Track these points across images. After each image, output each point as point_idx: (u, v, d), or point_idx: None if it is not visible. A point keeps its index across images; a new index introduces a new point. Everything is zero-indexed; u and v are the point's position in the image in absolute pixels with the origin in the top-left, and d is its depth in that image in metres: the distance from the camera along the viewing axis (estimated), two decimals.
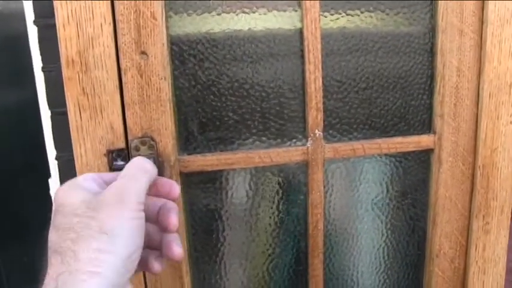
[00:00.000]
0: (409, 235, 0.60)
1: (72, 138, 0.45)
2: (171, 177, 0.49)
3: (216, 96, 0.51)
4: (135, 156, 0.47)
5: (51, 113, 0.73)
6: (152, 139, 0.48)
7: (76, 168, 0.45)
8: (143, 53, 0.47)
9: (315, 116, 0.53)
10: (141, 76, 0.47)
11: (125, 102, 0.47)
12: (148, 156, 0.48)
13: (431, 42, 0.55)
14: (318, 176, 0.54)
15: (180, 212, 0.51)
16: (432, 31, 0.55)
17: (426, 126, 0.57)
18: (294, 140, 0.54)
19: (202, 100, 0.51)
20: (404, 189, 0.59)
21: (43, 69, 0.69)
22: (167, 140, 0.49)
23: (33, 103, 0.76)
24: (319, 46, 0.51)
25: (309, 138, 0.53)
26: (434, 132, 0.56)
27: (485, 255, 0.58)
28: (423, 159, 0.58)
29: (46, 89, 0.71)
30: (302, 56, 0.52)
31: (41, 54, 0.69)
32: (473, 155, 0.57)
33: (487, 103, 0.54)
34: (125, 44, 0.46)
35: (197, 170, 0.51)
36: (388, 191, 0.58)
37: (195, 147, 0.52)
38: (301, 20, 0.51)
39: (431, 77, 0.56)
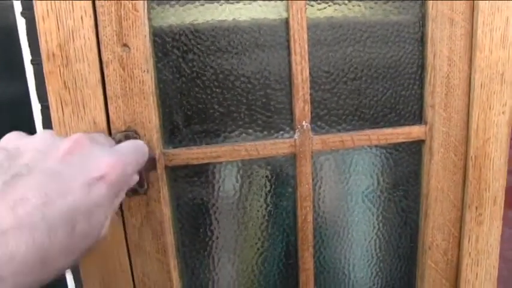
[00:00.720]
0: (401, 227, 0.60)
1: (54, 133, 0.45)
2: (156, 171, 0.48)
3: (201, 89, 0.50)
4: None
5: (41, 106, 0.72)
6: (136, 133, 0.48)
7: None
8: (125, 45, 0.46)
9: (302, 107, 0.52)
10: (124, 69, 0.46)
11: (107, 96, 0.47)
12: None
13: (421, 32, 0.54)
14: (306, 168, 0.53)
15: (166, 206, 0.51)
16: (422, 20, 0.53)
17: (417, 116, 0.56)
18: (281, 132, 0.53)
19: (187, 93, 0.50)
20: (395, 181, 0.58)
21: (32, 61, 0.69)
22: (151, 134, 0.48)
23: (25, 97, 0.74)
24: (305, 36, 0.50)
25: (297, 130, 0.52)
26: (426, 123, 0.55)
27: (478, 247, 0.58)
28: (414, 150, 0.57)
29: (35, 82, 0.70)
30: (288, 47, 0.51)
31: (30, 47, 0.68)
32: (465, 146, 0.55)
33: (479, 93, 0.53)
34: (106, 37, 0.46)
35: (182, 163, 0.50)
36: (378, 182, 0.58)
37: (180, 140, 0.51)
38: (287, 10, 0.50)
39: (422, 67, 0.55)
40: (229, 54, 0.50)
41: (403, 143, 0.56)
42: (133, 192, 0.49)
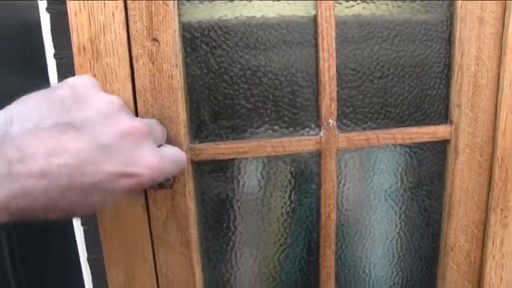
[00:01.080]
0: (423, 227, 0.59)
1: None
2: None
3: (229, 84, 0.51)
4: None
5: None
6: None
7: None
8: (155, 40, 0.46)
9: (328, 105, 0.52)
10: (153, 63, 0.47)
11: (136, 90, 0.47)
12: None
13: (449, 31, 0.53)
14: (331, 165, 0.53)
15: (191, 200, 0.51)
16: (450, 19, 0.53)
17: (443, 116, 0.56)
18: (307, 129, 0.53)
19: (215, 88, 0.51)
20: (419, 181, 0.58)
21: (55, 55, 0.69)
22: (179, 128, 0.48)
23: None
24: (333, 34, 0.50)
25: (322, 128, 0.52)
26: (451, 123, 0.55)
27: (503, 250, 0.57)
28: (439, 150, 0.57)
29: (58, 76, 0.70)
30: (316, 44, 0.51)
31: (53, 41, 0.68)
32: (492, 147, 0.55)
33: (508, 93, 0.53)
34: (137, 31, 0.46)
35: (209, 158, 0.51)
36: (402, 182, 0.57)
37: (206, 135, 0.51)
38: (316, 7, 0.50)
39: (449, 66, 0.54)
40: (257, 50, 0.50)
41: (428, 142, 0.56)
42: (159, 185, 0.49)
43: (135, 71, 0.47)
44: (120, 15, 0.44)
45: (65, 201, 0.31)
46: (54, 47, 0.69)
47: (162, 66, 0.47)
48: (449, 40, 0.54)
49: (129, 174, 0.33)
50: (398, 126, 0.55)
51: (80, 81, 0.36)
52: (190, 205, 0.51)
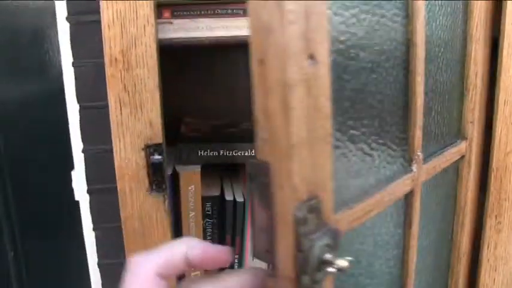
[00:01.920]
0: (445, 242, 0.60)
1: (112, 132, 0.44)
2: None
3: (352, 119, 0.36)
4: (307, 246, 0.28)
5: (80, 107, 0.74)
6: (317, 200, 0.29)
7: (115, 161, 0.43)
8: (312, 57, 0.27)
9: (418, 135, 0.44)
10: (308, 95, 0.28)
11: (291, 142, 0.26)
12: (315, 229, 0.29)
13: (464, 52, 0.55)
14: (417, 204, 0.46)
15: None
16: (466, 40, 0.55)
17: (459, 132, 0.57)
18: (400, 166, 0.44)
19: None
20: (446, 196, 0.58)
21: (73, 64, 0.71)
22: (329, 198, 0.31)
23: (58, 96, 0.77)
24: (423, 54, 0.43)
25: (413, 162, 0.44)
26: (466, 138, 0.57)
27: (496, 253, 0.64)
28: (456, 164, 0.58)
29: (76, 84, 0.72)
30: (407, 67, 0.42)
31: (72, 50, 0.70)
32: (488, 158, 0.61)
33: (502, 109, 0.59)
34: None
35: (345, 229, 0.34)
36: (439, 202, 0.56)
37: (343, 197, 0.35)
38: (411, 21, 0.41)
39: (465, 85, 0.56)
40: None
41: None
42: None
43: (289, 109, 0.26)
44: (151, 29, 0.42)
45: None
46: (73, 55, 0.70)
47: (317, 101, 0.28)
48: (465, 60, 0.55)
49: None
50: (442, 148, 0.53)
51: None
52: None
